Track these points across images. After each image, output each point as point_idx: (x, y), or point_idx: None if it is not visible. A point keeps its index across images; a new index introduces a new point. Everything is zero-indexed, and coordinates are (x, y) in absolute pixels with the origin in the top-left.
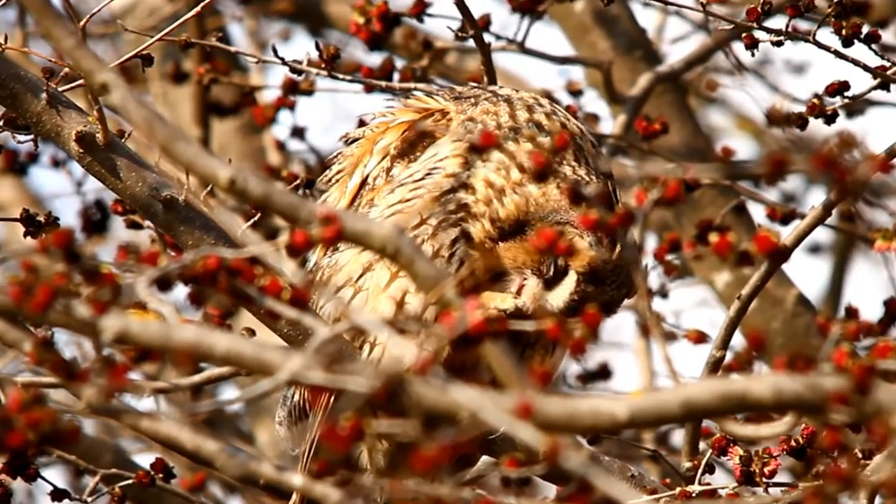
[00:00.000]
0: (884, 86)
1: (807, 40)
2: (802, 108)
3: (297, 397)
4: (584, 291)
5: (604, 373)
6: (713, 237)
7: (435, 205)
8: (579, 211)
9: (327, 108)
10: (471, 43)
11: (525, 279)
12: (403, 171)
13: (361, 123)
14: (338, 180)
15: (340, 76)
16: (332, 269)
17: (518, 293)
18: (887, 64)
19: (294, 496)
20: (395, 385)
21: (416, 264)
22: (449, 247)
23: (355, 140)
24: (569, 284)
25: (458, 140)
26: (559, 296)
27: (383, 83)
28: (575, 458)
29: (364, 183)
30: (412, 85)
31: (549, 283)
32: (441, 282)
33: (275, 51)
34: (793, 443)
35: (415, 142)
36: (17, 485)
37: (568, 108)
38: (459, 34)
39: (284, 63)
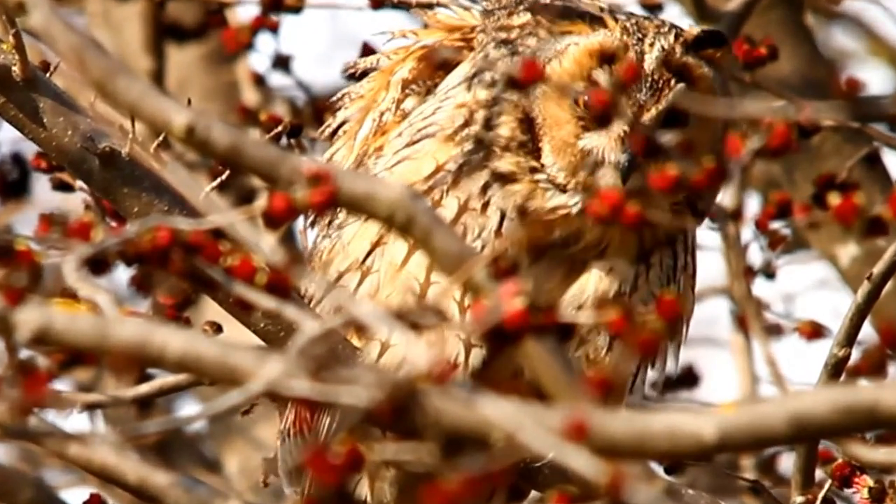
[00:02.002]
0: None
1: None
2: None
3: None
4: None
5: (689, 378)
6: (835, 198)
7: (451, 144)
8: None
9: (322, 30)
10: None
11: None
12: (416, 110)
13: (368, 51)
14: (344, 131)
15: None
16: (333, 250)
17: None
18: None
19: None
20: (406, 397)
21: (435, 237)
22: (480, 195)
23: (364, 73)
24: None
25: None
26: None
27: None
28: (646, 492)
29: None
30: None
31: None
32: (468, 259)
33: None
34: None
35: (436, 67)
36: None
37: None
38: None
39: None
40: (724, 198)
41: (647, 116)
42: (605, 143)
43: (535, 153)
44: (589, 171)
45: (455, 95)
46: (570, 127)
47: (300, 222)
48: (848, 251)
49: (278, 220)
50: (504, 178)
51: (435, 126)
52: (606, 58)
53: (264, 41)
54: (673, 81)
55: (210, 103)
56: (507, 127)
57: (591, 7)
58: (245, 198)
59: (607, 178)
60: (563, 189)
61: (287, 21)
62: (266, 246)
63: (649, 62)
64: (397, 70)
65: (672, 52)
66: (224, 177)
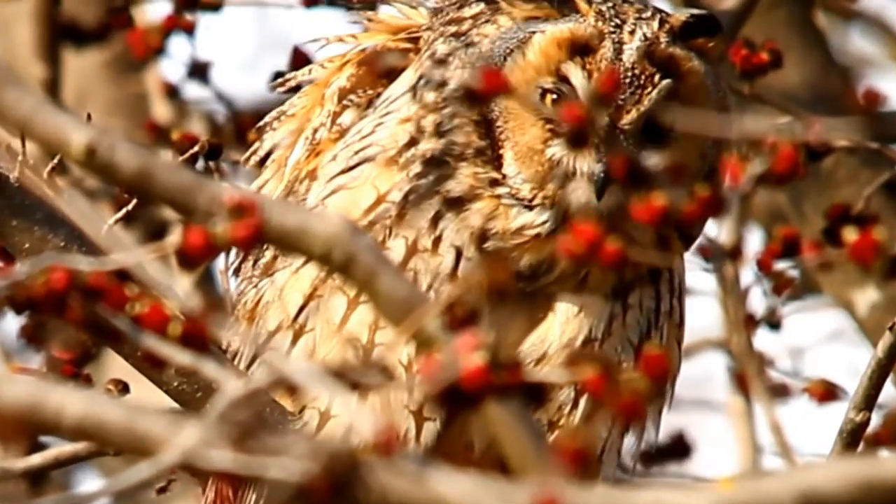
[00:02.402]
0: None
1: None
2: None
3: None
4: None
5: (678, 448)
6: (851, 233)
7: (394, 169)
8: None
9: (247, 32)
10: None
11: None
12: (353, 128)
13: (300, 57)
14: (273, 159)
15: None
16: (260, 304)
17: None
18: None
19: None
20: (346, 471)
21: (380, 279)
22: (430, 229)
23: (297, 88)
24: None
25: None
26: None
27: None
28: None
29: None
30: None
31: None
32: (419, 306)
33: None
34: None
35: (379, 73)
36: None
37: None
38: None
39: None
40: (721, 233)
41: (626, 119)
42: (578, 153)
43: (496, 162)
44: (558, 183)
45: (398, 109)
46: (535, 131)
47: (221, 261)
48: (866, 297)
49: (195, 258)
50: (459, 203)
51: (375, 147)
52: (578, 48)
53: (178, 45)
54: (657, 77)
55: (114, 119)
56: (461, 132)
57: None
58: (155, 233)
59: (579, 193)
60: (529, 205)
61: (205, 21)
62: (180, 290)
63: (629, 54)
64: (333, 81)
65: (656, 41)
66: (130, 207)
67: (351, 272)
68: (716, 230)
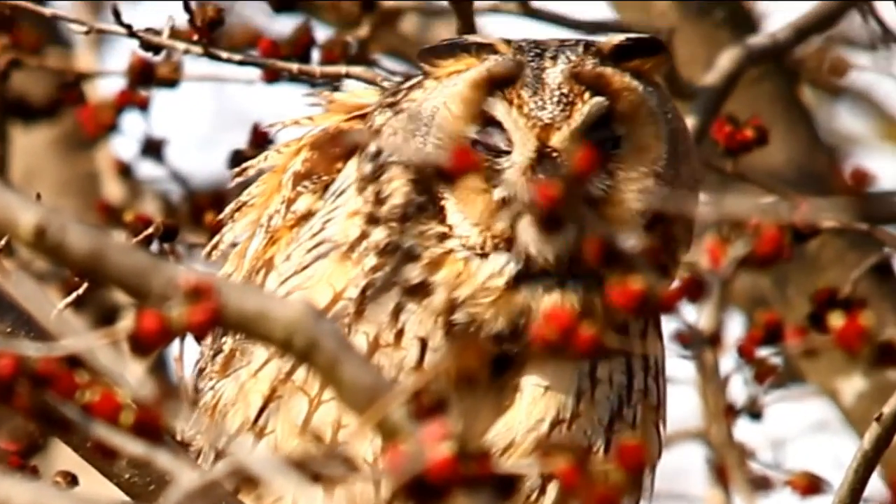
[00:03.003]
0: None
1: None
2: None
3: None
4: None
5: None
6: (837, 318)
7: (348, 264)
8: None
9: (204, 108)
10: None
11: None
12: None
13: (260, 135)
14: (235, 253)
15: (225, 55)
16: (219, 403)
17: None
18: None
19: None
20: None
21: (343, 366)
22: (392, 322)
23: (256, 175)
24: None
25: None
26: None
27: (295, 66)
28: None
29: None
30: (343, 69)
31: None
32: (383, 394)
33: (116, 13)
34: None
35: (334, 157)
36: None
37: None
38: None
39: (132, 34)
40: (701, 318)
41: (558, 137)
42: (517, 183)
43: (440, 216)
44: (508, 223)
45: (345, 202)
46: (473, 175)
47: (175, 347)
48: (853, 385)
49: (148, 344)
50: (420, 290)
51: (327, 243)
52: (497, 83)
53: (131, 122)
54: (587, 95)
55: (64, 199)
56: (399, 193)
57: (480, 37)
58: (106, 317)
59: (528, 229)
60: (482, 252)
61: (160, 97)
62: (133, 377)
63: (553, 76)
64: (290, 166)
65: (581, 63)
66: (81, 290)
67: (313, 359)
68: (695, 315)
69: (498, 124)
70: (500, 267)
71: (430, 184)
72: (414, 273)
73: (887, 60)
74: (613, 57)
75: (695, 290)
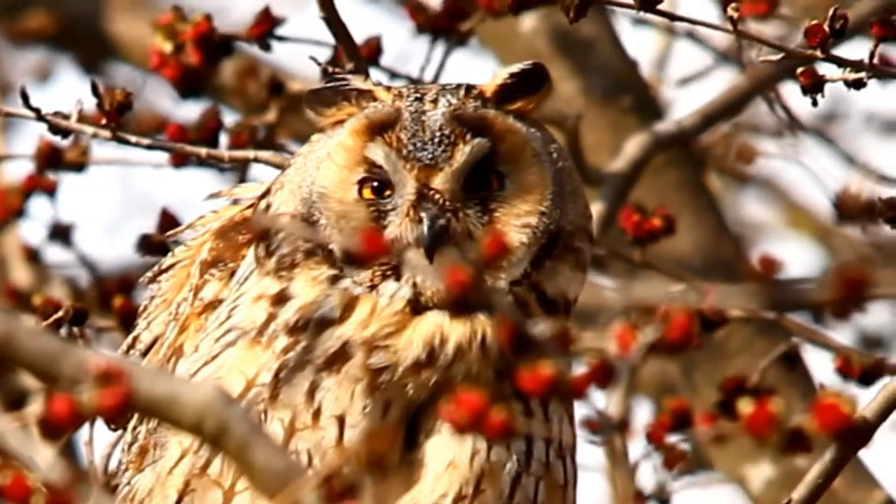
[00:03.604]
0: None
1: None
2: None
3: None
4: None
5: None
6: (746, 405)
7: (258, 349)
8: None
9: (112, 193)
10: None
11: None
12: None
13: (168, 220)
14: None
15: (133, 139)
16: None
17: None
18: None
19: None
20: None
21: (254, 450)
22: (308, 402)
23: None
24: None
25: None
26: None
27: (203, 151)
28: None
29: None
30: (251, 154)
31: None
32: (295, 478)
33: (24, 96)
34: None
35: (239, 243)
36: None
37: None
38: (330, 69)
39: (40, 117)
40: (609, 404)
41: (440, 178)
42: (401, 224)
43: (328, 258)
44: (396, 258)
45: (249, 288)
46: (360, 216)
47: (85, 431)
48: (761, 472)
49: (59, 428)
50: (340, 357)
51: (235, 331)
52: (377, 129)
53: (39, 206)
54: (468, 136)
55: None
56: (286, 242)
57: (360, 83)
58: (16, 401)
59: (414, 261)
60: (371, 284)
61: (67, 181)
62: (43, 461)
63: (433, 118)
64: (197, 258)
65: (462, 105)
66: None
67: (223, 443)
68: (604, 401)
69: (380, 167)
70: (392, 293)
71: (318, 229)
72: (330, 340)
73: (794, 147)
74: (496, 99)
75: (604, 375)
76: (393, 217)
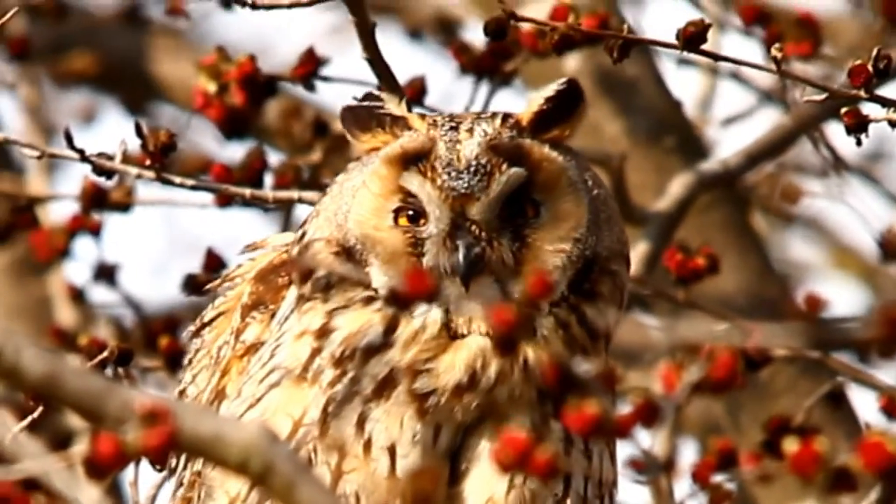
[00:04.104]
0: None
1: None
2: None
3: None
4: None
5: None
6: (791, 444)
7: (304, 386)
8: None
9: (156, 233)
10: None
11: None
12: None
13: (213, 260)
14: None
15: (178, 180)
16: None
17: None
18: None
19: None
20: None
21: (300, 489)
22: (358, 434)
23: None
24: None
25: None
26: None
27: (248, 191)
28: None
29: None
30: (296, 194)
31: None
32: None
33: (69, 137)
34: None
35: (279, 286)
36: None
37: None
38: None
39: (84, 158)
40: (655, 444)
41: (476, 208)
42: (437, 253)
43: (365, 281)
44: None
45: (290, 327)
46: (396, 243)
47: (130, 471)
48: None
49: (104, 468)
50: (389, 383)
51: (278, 371)
52: (411, 159)
53: (84, 246)
54: (504, 166)
55: (16, 324)
56: (322, 266)
57: (395, 108)
58: (61, 441)
59: (451, 290)
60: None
61: (112, 222)
62: (88, 501)
63: (470, 148)
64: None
65: (498, 135)
66: (37, 414)
67: (269, 482)
68: (649, 440)
69: (415, 196)
70: (423, 314)
71: (354, 254)
72: (378, 366)
73: (838, 187)
74: (532, 128)
75: (649, 415)
76: (429, 245)
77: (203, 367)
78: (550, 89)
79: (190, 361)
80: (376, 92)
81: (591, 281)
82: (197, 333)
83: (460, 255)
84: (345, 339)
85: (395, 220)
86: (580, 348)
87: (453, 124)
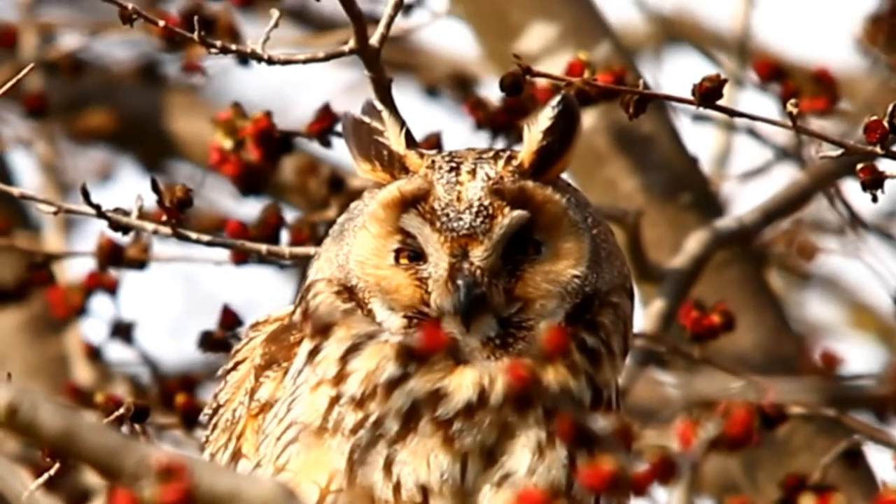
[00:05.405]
0: None
1: None
2: None
3: None
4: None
5: None
6: (808, 502)
7: (325, 438)
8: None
9: (173, 290)
10: None
11: None
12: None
13: (229, 317)
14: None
15: (193, 236)
16: None
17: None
18: None
19: None
20: None
21: None
22: (387, 478)
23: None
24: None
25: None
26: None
27: (264, 247)
28: None
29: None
30: (312, 250)
31: None
32: None
33: (85, 193)
34: None
35: (289, 344)
36: None
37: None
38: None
39: (101, 214)
40: (671, 501)
41: (479, 251)
42: (439, 294)
43: (369, 317)
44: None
45: (305, 380)
46: (398, 281)
47: None
48: None
49: None
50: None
51: (295, 426)
52: (409, 202)
53: (100, 304)
54: (507, 209)
55: (34, 382)
56: (324, 305)
57: (395, 141)
58: (78, 499)
59: (451, 328)
60: (405, 334)
61: (129, 278)
62: None
63: (472, 190)
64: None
65: (501, 180)
66: (53, 471)
67: None
68: (666, 498)
69: (414, 237)
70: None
71: (356, 292)
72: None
73: (855, 244)
74: (534, 168)
75: (665, 472)
76: (431, 284)
77: (221, 417)
78: (546, 118)
79: (207, 439)
80: (378, 105)
81: (591, 313)
82: (214, 414)
83: (461, 296)
84: (364, 379)
85: (396, 259)
86: (583, 374)
87: (453, 164)
